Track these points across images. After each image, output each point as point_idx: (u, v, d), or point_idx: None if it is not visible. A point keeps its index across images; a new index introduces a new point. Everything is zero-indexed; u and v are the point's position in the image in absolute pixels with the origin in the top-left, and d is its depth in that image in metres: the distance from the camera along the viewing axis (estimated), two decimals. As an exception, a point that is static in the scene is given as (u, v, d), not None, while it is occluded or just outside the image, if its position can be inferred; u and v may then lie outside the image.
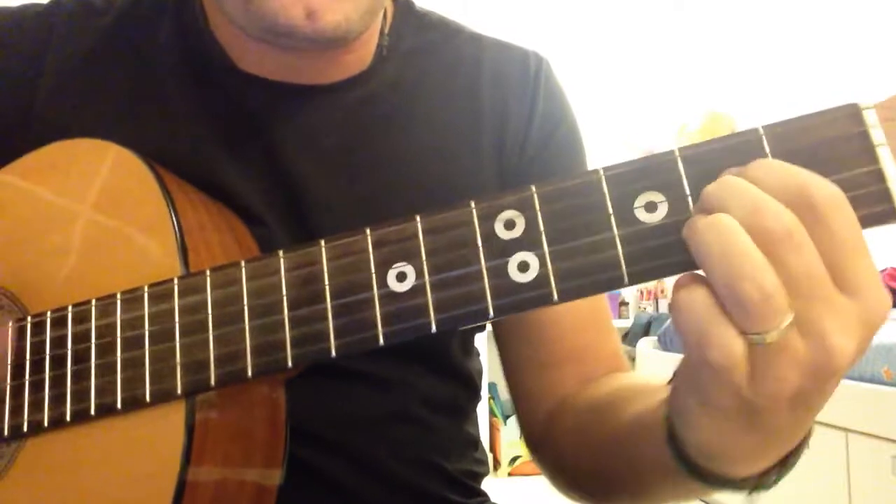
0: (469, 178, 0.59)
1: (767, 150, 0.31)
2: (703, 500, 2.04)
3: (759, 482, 0.35)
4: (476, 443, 0.68)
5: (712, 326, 0.28)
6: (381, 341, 0.35)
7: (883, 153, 0.29)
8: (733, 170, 0.30)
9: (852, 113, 0.30)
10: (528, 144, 0.62)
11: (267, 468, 0.46)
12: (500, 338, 0.63)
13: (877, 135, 0.29)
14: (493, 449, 3.15)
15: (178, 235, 0.45)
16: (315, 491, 0.55)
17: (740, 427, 0.31)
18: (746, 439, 0.32)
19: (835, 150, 0.30)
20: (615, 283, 0.31)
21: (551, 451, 0.58)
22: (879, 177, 0.29)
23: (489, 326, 0.65)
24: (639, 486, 0.47)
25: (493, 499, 0.67)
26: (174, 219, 0.45)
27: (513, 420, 3.05)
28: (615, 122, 3.43)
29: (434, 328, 0.34)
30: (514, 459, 3.03)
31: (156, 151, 0.52)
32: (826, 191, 0.28)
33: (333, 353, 0.36)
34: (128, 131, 0.55)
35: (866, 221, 0.29)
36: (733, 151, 0.31)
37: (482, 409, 3.11)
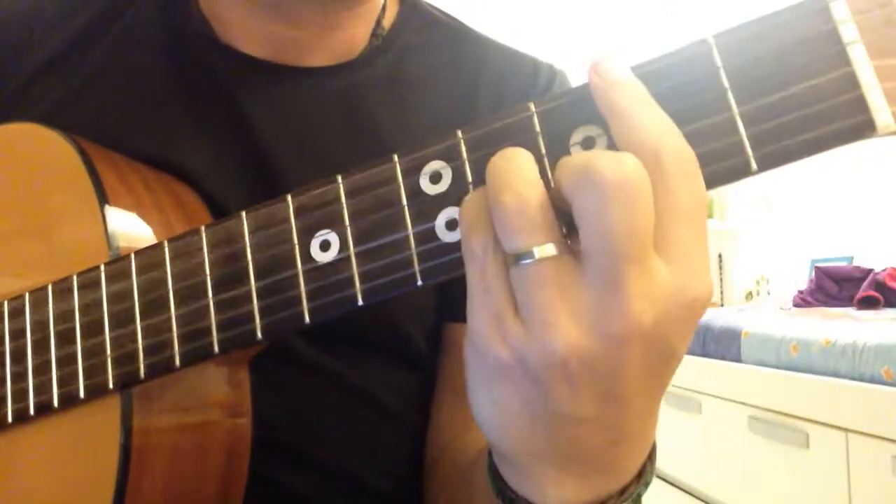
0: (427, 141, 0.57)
1: (719, 62, 0.26)
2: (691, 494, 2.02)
3: None
4: None
5: (480, 226, 0.27)
6: (308, 318, 0.32)
7: (855, 53, 0.25)
8: None
9: (819, 8, 0.25)
10: None
11: (230, 460, 0.44)
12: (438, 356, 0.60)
13: (847, 31, 0.25)
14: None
15: (105, 219, 0.42)
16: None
17: (519, 405, 0.27)
18: (526, 428, 0.28)
19: (799, 55, 0.25)
20: None
21: (429, 480, 0.55)
22: (853, 82, 0.25)
23: None
24: None
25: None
26: (101, 202, 0.43)
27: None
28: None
29: (361, 300, 0.31)
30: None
31: (120, 126, 0.51)
32: (676, 148, 0.25)
33: (259, 334, 0.34)
34: (92, 105, 0.53)
35: (842, 137, 0.25)
36: (682, 67, 0.27)
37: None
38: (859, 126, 0.25)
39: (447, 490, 0.51)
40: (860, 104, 0.25)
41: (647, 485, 0.31)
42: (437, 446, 0.56)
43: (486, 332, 0.27)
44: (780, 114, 0.26)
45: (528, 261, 0.26)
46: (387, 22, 0.59)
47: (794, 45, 0.25)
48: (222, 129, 0.53)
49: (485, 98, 0.59)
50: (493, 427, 0.29)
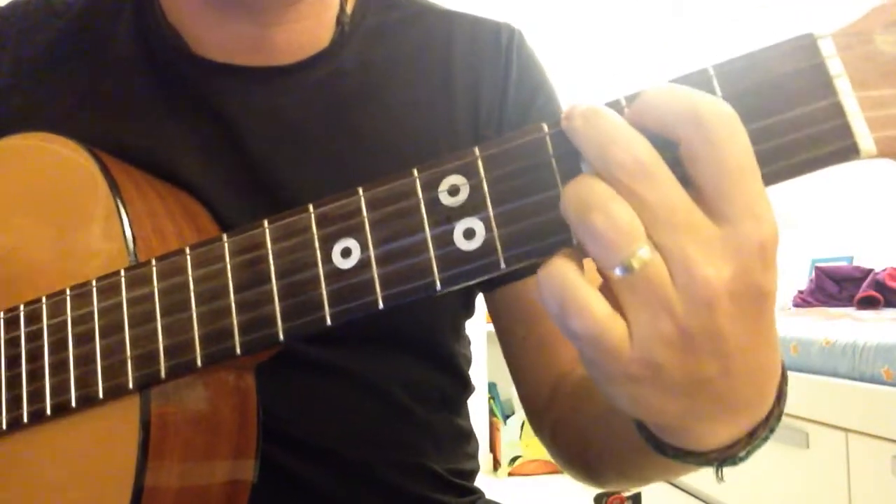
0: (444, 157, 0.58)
1: (718, 91, 0.28)
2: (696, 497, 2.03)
3: (726, 455, 0.32)
4: (468, 437, 0.66)
5: (571, 292, 0.28)
6: (329, 322, 0.34)
7: (841, 85, 0.27)
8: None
9: (807, 44, 0.28)
10: (504, 117, 0.60)
11: (238, 460, 0.45)
12: (496, 318, 0.62)
13: (834, 65, 0.27)
14: (493, 449, 3.13)
15: (123, 225, 0.43)
16: (291, 495, 0.53)
17: (653, 391, 0.29)
18: (670, 404, 0.30)
19: (791, 85, 0.28)
20: (564, 246, 0.29)
21: (548, 429, 0.57)
22: (838, 111, 0.27)
23: (483, 311, 0.64)
24: (623, 466, 0.46)
25: (493, 499, 0.65)
26: (120, 208, 0.44)
27: (513, 420, 3.04)
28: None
29: (381, 305, 0.32)
30: (514, 459, 3.02)
31: (114, 145, 0.51)
32: (715, 105, 0.27)
33: (281, 336, 0.35)
34: (84, 127, 0.54)
35: (828, 159, 0.27)
36: None
37: (482, 409, 3.11)
38: (844, 150, 0.27)
39: (575, 430, 0.52)
40: (845, 131, 0.27)
41: (785, 402, 0.33)
42: (541, 393, 0.58)
43: (608, 353, 0.28)
44: (772, 137, 0.28)
45: (625, 271, 0.27)
46: (348, 8, 0.59)
47: (786, 77, 0.28)
48: (210, 138, 0.55)
49: (460, 73, 0.60)
50: (638, 413, 0.31)
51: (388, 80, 0.59)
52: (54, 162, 0.48)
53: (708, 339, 0.27)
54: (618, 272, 0.27)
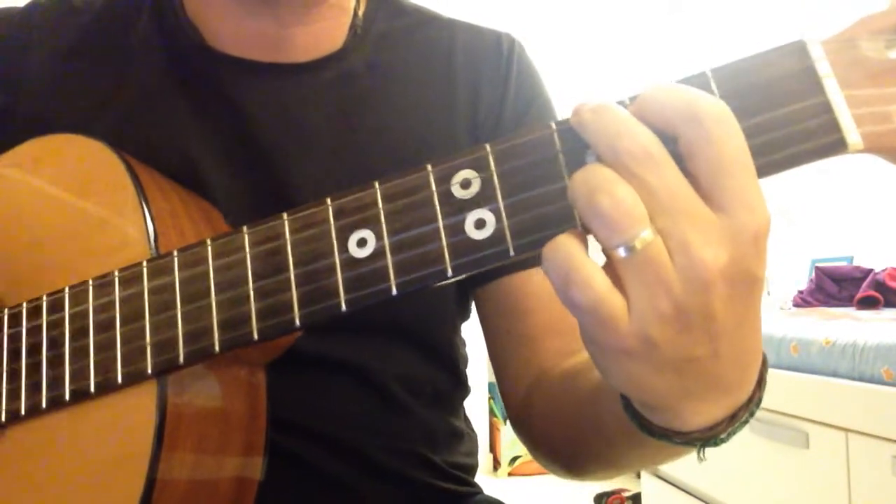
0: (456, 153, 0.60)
1: (716, 91, 0.30)
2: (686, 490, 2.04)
3: (708, 436, 0.34)
4: (462, 437, 0.68)
5: (575, 264, 0.29)
6: (344, 308, 0.35)
7: (829, 84, 0.29)
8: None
9: (799, 48, 0.30)
10: (501, 124, 0.62)
11: (247, 457, 0.46)
12: (481, 312, 0.64)
13: (822, 67, 0.30)
14: (493, 449, 3.14)
15: (146, 220, 0.45)
16: (298, 480, 0.55)
17: (646, 368, 0.30)
18: (660, 381, 0.31)
19: (783, 86, 0.30)
20: None
21: (529, 423, 0.58)
22: (827, 108, 0.29)
23: (475, 312, 0.65)
24: (607, 451, 0.47)
25: (492, 497, 0.66)
26: (143, 204, 0.45)
27: (513, 420, 3.03)
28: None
29: (395, 291, 0.34)
30: (514, 459, 3.03)
31: (138, 140, 0.53)
32: (711, 104, 0.29)
33: (297, 322, 0.36)
34: (109, 123, 0.56)
35: (818, 152, 0.29)
36: None
37: (482, 409, 3.12)
38: (832, 144, 0.29)
39: (558, 418, 0.53)
40: (833, 126, 0.29)
41: (765, 387, 0.35)
42: (522, 385, 0.59)
43: (600, 335, 0.30)
44: (766, 132, 0.30)
45: (627, 252, 0.29)
46: (359, 8, 0.62)
47: (779, 77, 0.30)
48: (226, 131, 0.56)
49: (461, 79, 0.62)
50: (629, 389, 0.33)
51: (393, 83, 0.61)
52: (82, 160, 0.50)
53: (701, 319, 0.29)
54: (621, 252, 0.29)
